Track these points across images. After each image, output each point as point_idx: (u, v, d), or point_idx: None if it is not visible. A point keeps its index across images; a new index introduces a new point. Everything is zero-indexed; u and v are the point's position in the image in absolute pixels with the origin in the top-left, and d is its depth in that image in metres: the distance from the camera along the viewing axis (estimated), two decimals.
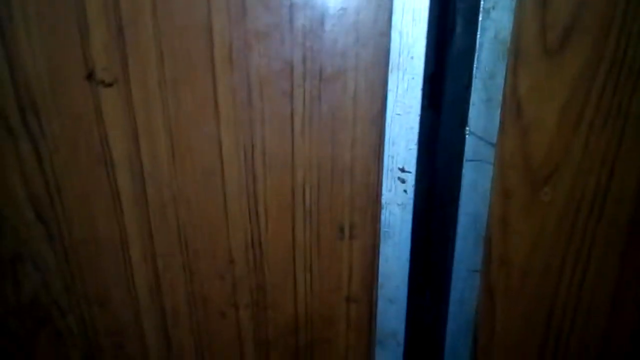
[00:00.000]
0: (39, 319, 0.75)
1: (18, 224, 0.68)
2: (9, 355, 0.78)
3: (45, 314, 0.74)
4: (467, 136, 0.59)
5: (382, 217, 0.64)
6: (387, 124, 0.60)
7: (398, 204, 0.63)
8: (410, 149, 0.60)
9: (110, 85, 0.60)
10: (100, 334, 0.76)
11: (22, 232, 0.69)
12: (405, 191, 0.62)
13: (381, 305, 0.69)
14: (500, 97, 0.58)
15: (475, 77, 0.57)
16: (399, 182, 0.62)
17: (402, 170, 0.61)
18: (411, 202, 0.63)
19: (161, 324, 0.74)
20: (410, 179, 0.62)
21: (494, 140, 0.60)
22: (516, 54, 0.56)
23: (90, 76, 0.60)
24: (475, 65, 0.56)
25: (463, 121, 0.59)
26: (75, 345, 0.77)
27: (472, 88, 0.57)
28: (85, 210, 0.67)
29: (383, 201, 0.63)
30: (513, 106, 0.58)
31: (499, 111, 0.58)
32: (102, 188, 0.66)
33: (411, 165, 0.61)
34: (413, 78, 0.57)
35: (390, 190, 0.63)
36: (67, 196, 0.67)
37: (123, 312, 0.74)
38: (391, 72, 0.57)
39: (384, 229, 0.65)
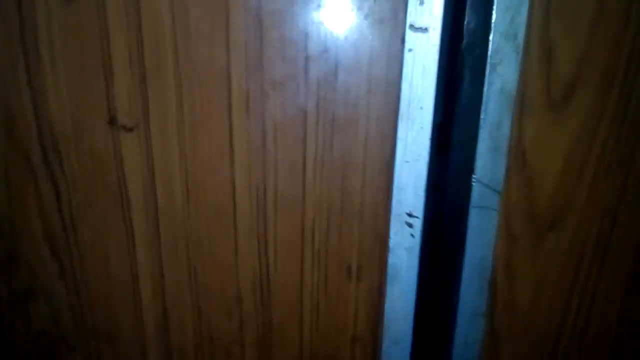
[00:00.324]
0: (46, 353, 0.75)
1: (33, 260, 0.70)
2: None
3: (53, 349, 0.75)
4: (473, 184, 0.61)
5: (389, 260, 0.66)
6: (396, 170, 0.61)
7: (405, 248, 0.65)
8: (418, 195, 0.62)
9: (131, 130, 0.63)
10: None
11: (36, 268, 0.70)
12: (412, 235, 0.64)
13: (386, 346, 0.70)
14: (506, 147, 0.60)
15: (482, 128, 0.59)
16: (406, 227, 0.64)
17: (410, 215, 0.63)
18: (418, 246, 0.64)
19: None
20: (418, 223, 0.63)
21: (500, 187, 0.61)
22: (521, 106, 0.58)
23: (112, 121, 0.62)
24: (482, 116, 0.58)
25: (470, 169, 0.61)
26: None
27: (479, 138, 0.59)
28: (99, 248, 0.69)
29: (390, 244, 0.65)
30: (518, 156, 0.60)
31: (504, 160, 0.60)
32: (117, 227, 0.68)
33: (419, 211, 0.63)
34: (422, 127, 0.59)
35: (397, 234, 0.64)
36: (82, 234, 0.68)
37: (130, 348, 0.75)
38: (401, 121, 0.59)
39: (390, 271, 0.66)
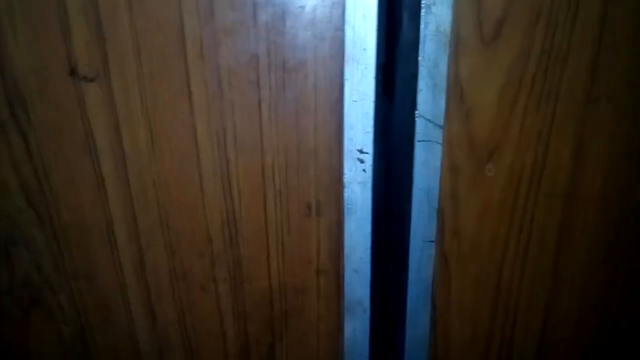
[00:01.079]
0: (31, 298, 0.80)
1: (10, 210, 0.73)
2: (3, 334, 0.83)
3: (37, 293, 0.79)
4: (416, 119, 0.66)
5: (345, 195, 0.70)
6: (345, 110, 0.66)
7: (358, 182, 0.69)
8: (367, 132, 0.67)
9: (92, 80, 0.66)
10: (89, 310, 0.81)
11: (14, 217, 0.74)
12: (364, 170, 0.69)
13: (347, 275, 0.75)
14: (444, 83, 0.64)
15: (421, 66, 0.63)
16: (358, 163, 0.68)
17: (361, 151, 0.68)
18: (370, 180, 0.69)
19: (146, 298, 0.80)
20: (368, 159, 0.68)
21: (441, 122, 0.66)
22: (456, 44, 0.63)
23: (73, 72, 0.65)
24: (420, 55, 0.63)
25: (413, 106, 0.65)
26: (65, 322, 0.82)
27: (419, 76, 0.64)
28: (73, 195, 0.73)
29: (345, 180, 0.69)
30: (456, 91, 0.65)
31: (444, 96, 0.65)
32: (88, 174, 0.71)
33: (369, 147, 0.67)
34: (366, 68, 0.63)
35: (351, 170, 0.69)
36: (55, 183, 0.72)
37: (110, 289, 0.79)
38: (347, 63, 0.63)
39: (347, 205, 0.71)
